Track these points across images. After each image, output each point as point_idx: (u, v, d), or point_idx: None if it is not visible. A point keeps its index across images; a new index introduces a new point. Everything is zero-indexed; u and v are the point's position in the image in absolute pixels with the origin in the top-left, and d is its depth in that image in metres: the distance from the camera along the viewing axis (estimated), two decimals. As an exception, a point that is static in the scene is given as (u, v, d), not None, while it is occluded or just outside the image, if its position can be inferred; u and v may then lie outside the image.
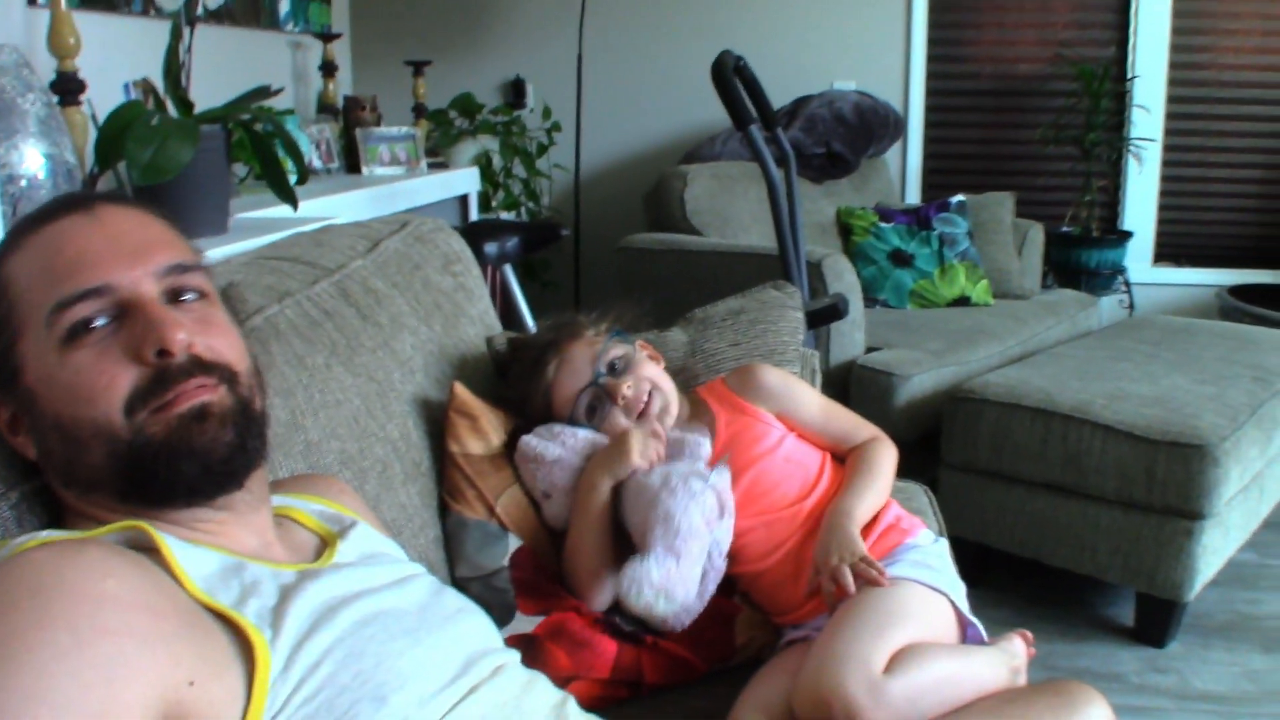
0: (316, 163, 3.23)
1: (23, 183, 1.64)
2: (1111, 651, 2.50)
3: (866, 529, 1.44)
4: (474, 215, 3.56)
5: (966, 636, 1.39)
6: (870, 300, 3.54)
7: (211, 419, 0.92)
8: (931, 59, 4.31)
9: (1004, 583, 2.77)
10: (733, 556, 1.43)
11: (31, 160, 1.65)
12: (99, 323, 0.91)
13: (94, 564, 0.81)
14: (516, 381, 1.55)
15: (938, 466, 2.75)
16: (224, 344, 0.97)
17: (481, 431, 1.48)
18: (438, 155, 3.75)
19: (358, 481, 1.34)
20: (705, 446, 1.43)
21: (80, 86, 2.25)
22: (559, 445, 1.46)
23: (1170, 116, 4.22)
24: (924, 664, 1.25)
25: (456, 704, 0.92)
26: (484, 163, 3.89)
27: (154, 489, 0.92)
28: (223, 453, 0.93)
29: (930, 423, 2.87)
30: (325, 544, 1.07)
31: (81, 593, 0.78)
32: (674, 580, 1.30)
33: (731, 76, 2.37)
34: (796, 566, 1.44)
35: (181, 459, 0.91)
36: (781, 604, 1.46)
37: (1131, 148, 4.18)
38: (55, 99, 2.02)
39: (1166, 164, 4.26)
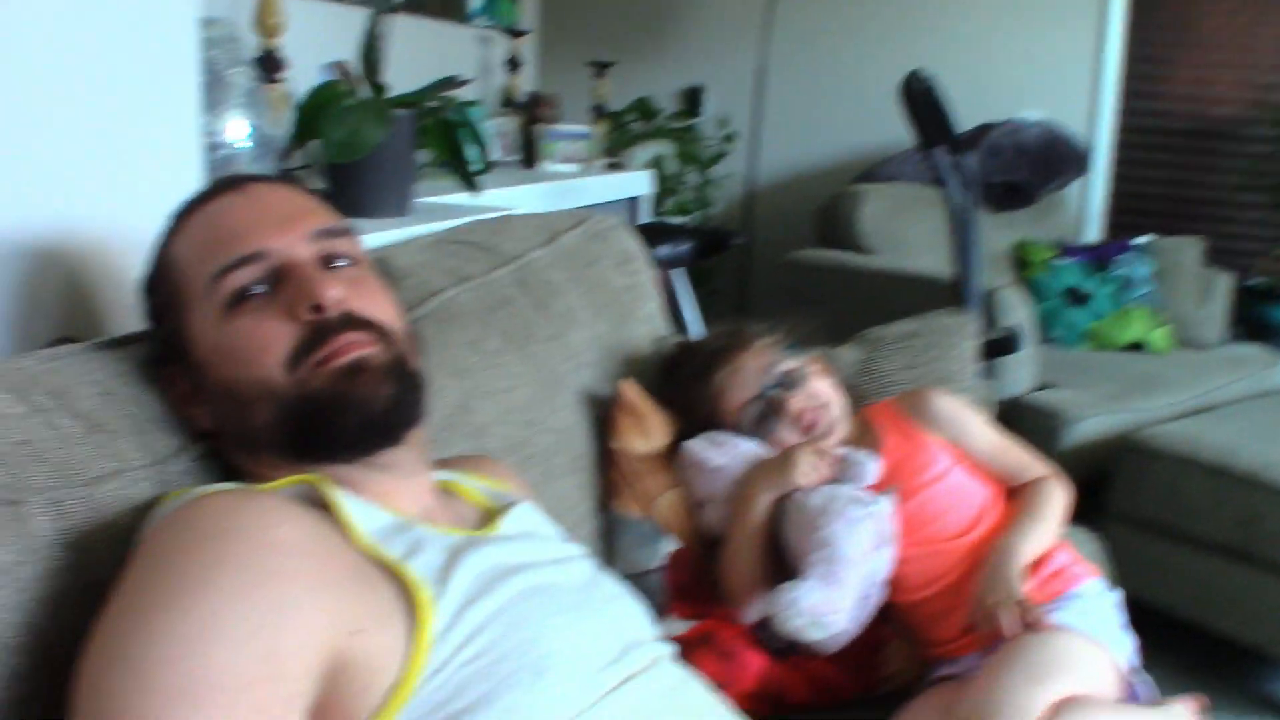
0: (496, 154, 3.28)
1: (226, 151, 1.69)
2: (1272, 730, 2.37)
3: (1032, 570, 1.38)
4: (645, 218, 3.58)
5: (1132, 696, 1.32)
6: (1042, 338, 3.44)
7: (368, 372, 0.94)
8: (1123, 94, 4.16)
9: (1160, 644, 2.63)
10: (889, 585, 1.39)
11: (236, 130, 1.71)
12: (256, 289, 0.95)
13: (267, 511, 0.83)
14: (683, 386, 1.54)
15: (1101, 516, 2.64)
16: (376, 305, 0.99)
17: (645, 431, 1.47)
18: (613, 156, 3.78)
19: (521, 468, 1.34)
20: (872, 466, 1.40)
21: (281, 65, 2.33)
22: (722, 454, 1.44)
23: (1379, 170, 4.00)
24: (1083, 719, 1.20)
25: (613, 689, 0.91)
26: (658, 167, 3.90)
27: (318, 442, 0.94)
28: (382, 404, 0.95)
29: (1095, 470, 2.76)
30: (488, 517, 1.08)
31: (254, 538, 0.80)
32: (828, 608, 1.28)
33: (923, 96, 2.32)
34: (955, 601, 1.39)
35: (342, 411, 0.93)
36: (935, 637, 1.41)
37: (1333, 201, 3.96)
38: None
39: (1370, 220, 4.03)
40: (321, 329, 0.94)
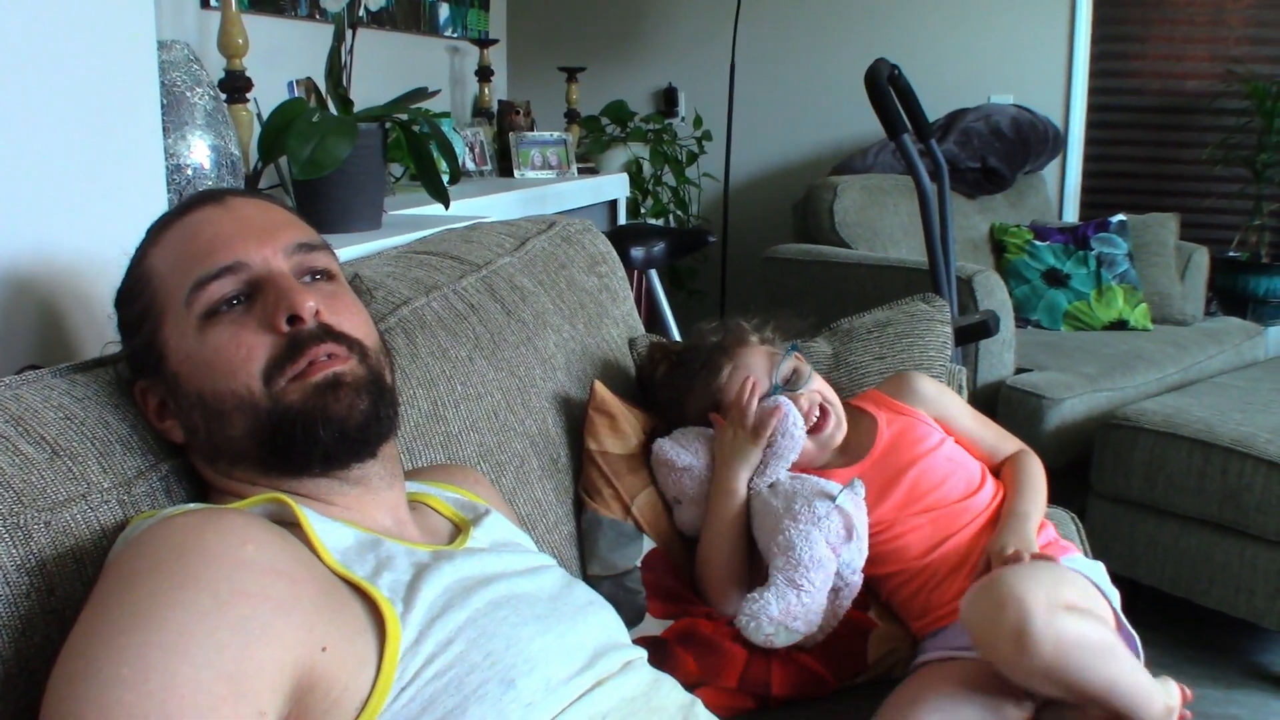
0: (470, 165, 3.28)
1: (189, 172, 1.69)
2: (1263, 701, 2.36)
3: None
4: (622, 221, 3.58)
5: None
6: (1022, 320, 3.45)
7: (345, 388, 0.95)
8: (1094, 73, 4.16)
9: (1152, 621, 2.62)
10: (894, 555, 1.42)
11: (198, 151, 1.71)
12: (234, 300, 0.95)
13: (235, 530, 0.83)
14: (678, 381, 1.54)
15: (1086, 496, 2.65)
16: (352, 319, 1.00)
17: (620, 431, 1.48)
18: (588, 161, 3.78)
19: (495, 474, 1.35)
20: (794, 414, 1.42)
21: (247, 84, 2.33)
22: (689, 454, 1.45)
23: (1351, 139, 4.00)
24: (1099, 627, 1.21)
25: (583, 695, 0.92)
26: (634, 170, 3.91)
27: (293, 456, 0.94)
28: (358, 420, 0.95)
29: (1079, 450, 2.77)
30: (459, 530, 1.08)
31: (222, 557, 0.80)
32: (794, 613, 1.29)
33: (885, 85, 2.33)
34: (960, 561, 1.41)
35: (318, 425, 0.93)
36: (933, 603, 1.41)
37: (1306, 170, 3.97)
38: (223, 96, 2.10)
39: (1345, 188, 4.03)
40: (298, 340, 0.94)
